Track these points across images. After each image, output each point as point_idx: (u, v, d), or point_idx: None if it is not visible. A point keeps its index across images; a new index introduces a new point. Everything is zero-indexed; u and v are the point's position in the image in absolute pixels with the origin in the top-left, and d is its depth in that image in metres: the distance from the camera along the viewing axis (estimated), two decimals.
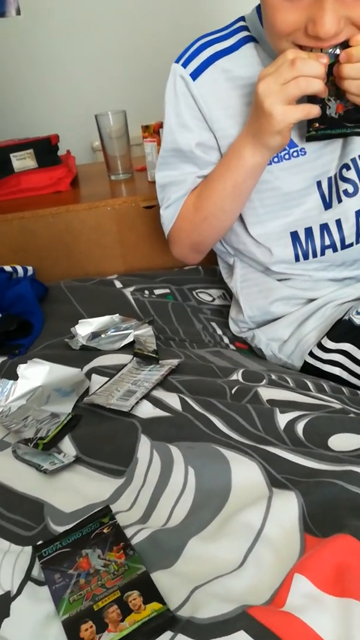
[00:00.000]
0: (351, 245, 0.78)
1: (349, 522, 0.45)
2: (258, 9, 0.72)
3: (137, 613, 0.40)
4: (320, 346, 0.76)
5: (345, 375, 0.74)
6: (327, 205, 0.76)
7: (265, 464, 0.53)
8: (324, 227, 0.77)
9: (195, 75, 0.71)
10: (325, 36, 0.57)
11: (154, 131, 1.12)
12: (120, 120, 1.21)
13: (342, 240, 0.77)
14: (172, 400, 0.64)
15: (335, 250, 0.78)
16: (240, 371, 0.72)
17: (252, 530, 0.46)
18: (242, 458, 0.54)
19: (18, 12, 1.75)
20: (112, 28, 1.77)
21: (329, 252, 0.78)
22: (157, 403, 0.63)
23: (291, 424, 0.59)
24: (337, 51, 0.60)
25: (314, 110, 0.62)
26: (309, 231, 0.77)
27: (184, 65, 0.72)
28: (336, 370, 0.74)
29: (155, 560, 0.44)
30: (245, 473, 0.52)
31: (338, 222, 0.77)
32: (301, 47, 0.61)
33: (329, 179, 0.75)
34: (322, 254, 0.78)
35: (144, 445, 0.56)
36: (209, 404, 0.63)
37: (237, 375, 0.71)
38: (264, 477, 0.52)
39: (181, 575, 0.43)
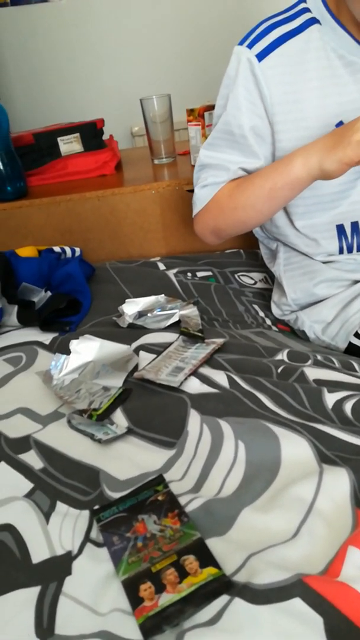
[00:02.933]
0: None
1: None
2: None
3: (194, 576, 0.41)
4: None
5: None
6: None
7: (314, 441, 0.53)
8: None
9: (261, 56, 0.70)
10: None
11: (198, 115, 1.12)
12: (164, 104, 1.21)
13: None
14: (219, 377, 0.64)
15: None
16: (285, 351, 0.72)
17: (304, 503, 0.46)
18: (291, 434, 0.54)
19: None
20: (155, 12, 1.76)
21: None
22: (205, 380, 0.64)
23: (339, 403, 0.59)
24: None
25: None
26: (355, 225, 0.77)
27: (250, 46, 0.71)
28: None
29: (210, 527, 0.45)
30: (295, 449, 0.53)
31: None
32: None
33: None
34: None
35: (194, 418, 0.57)
36: (256, 382, 0.63)
37: (282, 355, 0.71)
38: (313, 453, 0.52)
39: (235, 543, 0.44)
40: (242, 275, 1.03)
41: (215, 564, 0.41)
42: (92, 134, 1.17)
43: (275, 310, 0.89)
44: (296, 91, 0.71)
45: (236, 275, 1.02)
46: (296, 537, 0.43)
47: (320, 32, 0.71)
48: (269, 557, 0.42)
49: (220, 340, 0.73)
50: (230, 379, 0.64)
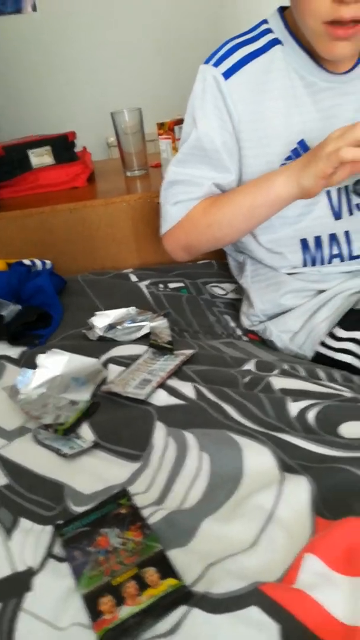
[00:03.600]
0: (358, 257, 0.81)
1: (358, 506, 0.47)
2: (280, 10, 0.75)
3: (154, 588, 0.41)
4: (332, 335, 0.77)
5: (357, 362, 0.75)
6: (337, 215, 0.78)
7: (277, 450, 0.54)
8: (333, 237, 0.79)
9: (227, 75, 0.72)
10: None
11: (169, 128, 1.14)
12: (135, 117, 1.23)
13: (350, 252, 0.80)
14: (187, 389, 0.65)
15: (342, 260, 0.80)
16: (253, 361, 0.74)
17: (264, 511, 0.47)
18: (254, 444, 0.55)
19: (34, 9, 1.77)
20: (128, 28, 1.78)
21: (336, 261, 0.80)
22: (172, 391, 0.65)
23: (303, 412, 0.61)
24: None
25: None
26: (318, 240, 0.80)
27: (216, 64, 0.73)
28: (348, 359, 0.75)
29: (171, 539, 0.46)
30: (258, 458, 0.54)
31: (347, 234, 0.79)
32: (330, 24, 0.63)
33: (339, 189, 0.77)
34: (330, 262, 0.80)
35: (160, 431, 0.58)
36: (223, 393, 0.64)
37: (250, 365, 0.73)
38: (276, 462, 0.53)
39: (196, 553, 0.44)
40: (213, 286, 1.04)
41: (175, 575, 0.42)
42: (63, 147, 1.18)
43: (244, 321, 0.91)
44: (260, 109, 0.73)
45: (208, 286, 1.04)
46: (255, 546, 0.44)
47: (283, 53, 0.73)
48: (227, 566, 0.43)
49: (189, 352, 0.74)
50: (197, 390, 0.65)
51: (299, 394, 0.64)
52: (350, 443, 0.55)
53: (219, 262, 1.10)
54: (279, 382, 0.67)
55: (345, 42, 0.65)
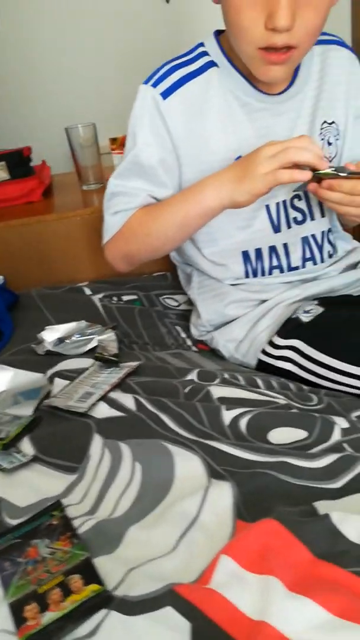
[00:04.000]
0: (297, 268, 0.85)
1: (277, 508, 0.50)
2: (216, 34, 0.78)
3: (77, 594, 0.44)
4: (271, 344, 0.80)
5: (295, 369, 0.78)
6: (276, 228, 0.82)
7: (206, 457, 0.57)
8: (272, 249, 0.83)
9: (165, 95, 0.75)
10: (282, 28, 0.62)
11: (121, 144, 1.17)
12: (89, 132, 1.26)
13: (289, 263, 0.84)
14: (127, 400, 0.68)
15: (282, 271, 0.84)
16: (196, 371, 0.77)
17: (187, 517, 0.50)
18: (186, 452, 0.58)
19: None
20: (85, 45, 1.80)
21: (276, 272, 0.84)
22: (113, 404, 0.67)
23: (236, 419, 0.64)
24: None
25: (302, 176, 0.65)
26: (258, 252, 0.83)
27: (154, 85, 0.76)
28: (287, 366, 0.79)
29: (99, 546, 0.48)
30: (188, 466, 0.56)
31: (285, 246, 0.83)
32: (265, 50, 0.66)
33: (278, 204, 0.81)
34: (270, 273, 0.84)
35: (97, 443, 0.61)
36: (162, 403, 0.67)
37: (193, 375, 0.76)
38: (204, 469, 0.56)
39: (120, 559, 0.47)
40: (166, 297, 1.07)
41: (98, 581, 0.45)
42: (18, 162, 1.20)
43: (193, 331, 0.94)
44: (198, 127, 0.77)
45: (161, 298, 1.06)
46: (175, 550, 0.47)
47: (219, 75, 0.76)
48: (146, 569, 0.45)
49: (134, 364, 0.77)
50: (137, 401, 0.68)
51: (234, 403, 0.68)
52: (276, 448, 0.58)
53: (173, 274, 1.13)
54: (217, 391, 0.70)
55: (280, 66, 0.69)
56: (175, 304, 1.06)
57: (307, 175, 0.65)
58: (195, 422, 0.64)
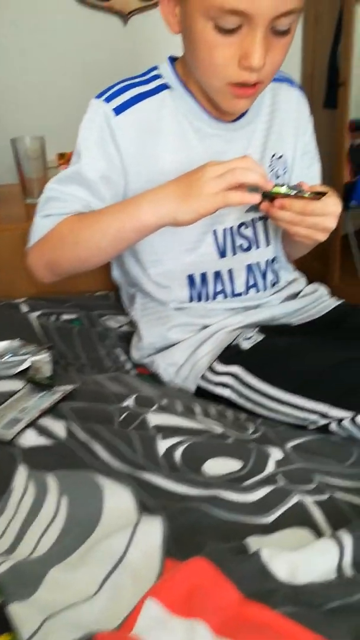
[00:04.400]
0: (240, 295, 0.85)
1: (207, 545, 0.48)
2: (170, 60, 0.78)
3: None
4: (211, 369, 0.79)
5: (234, 396, 0.77)
6: (222, 254, 0.82)
7: (138, 490, 0.55)
8: (217, 275, 0.83)
9: (118, 111, 0.74)
10: (256, 68, 0.64)
11: (68, 159, 1.14)
12: (37, 144, 1.23)
13: (233, 289, 0.84)
14: (58, 427, 0.64)
15: (225, 297, 0.84)
16: (133, 397, 0.74)
17: (114, 556, 0.47)
18: (116, 485, 0.55)
19: None
20: (41, 60, 1.77)
21: (220, 297, 0.84)
22: (43, 431, 0.64)
23: (171, 449, 0.62)
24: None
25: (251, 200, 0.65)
26: (204, 276, 0.83)
27: (107, 100, 0.74)
28: (226, 392, 0.78)
29: (15, 591, 0.45)
30: (117, 500, 0.54)
31: (230, 272, 0.83)
32: (234, 86, 0.67)
33: (225, 229, 0.81)
34: (214, 298, 0.84)
35: (21, 475, 0.57)
36: (95, 431, 0.64)
37: (130, 401, 0.73)
38: (134, 503, 0.54)
39: (38, 605, 0.44)
40: (108, 318, 1.04)
41: (11, 630, 0.41)
42: None
43: (134, 354, 0.92)
44: (149, 147, 0.76)
45: (102, 319, 1.04)
46: (98, 594, 0.44)
47: (172, 98, 0.77)
48: (65, 616, 0.42)
49: (69, 387, 0.74)
50: (68, 429, 0.64)
51: (170, 431, 0.66)
52: (209, 481, 0.57)
53: (115, 295, 1.11)
54: (154, 419, 0.68)
55: (246, 100, 0.71)
56: (117, 325, 1.03)
57: (256, 198, 0.65)
58: (128, 451, 0.61)
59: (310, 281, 0.97)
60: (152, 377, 0.91)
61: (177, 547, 0.49)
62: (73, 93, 1.78)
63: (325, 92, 2.13)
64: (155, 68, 0.79)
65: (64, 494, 0.55)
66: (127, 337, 1.01)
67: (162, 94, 0.77)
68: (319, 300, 0.93)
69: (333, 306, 0.91)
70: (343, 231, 2.10)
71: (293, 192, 0.67)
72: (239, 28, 0.63)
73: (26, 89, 1.77)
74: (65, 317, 1.01)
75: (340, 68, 1.95)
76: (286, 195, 0.67)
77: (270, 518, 0.52)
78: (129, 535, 0.49)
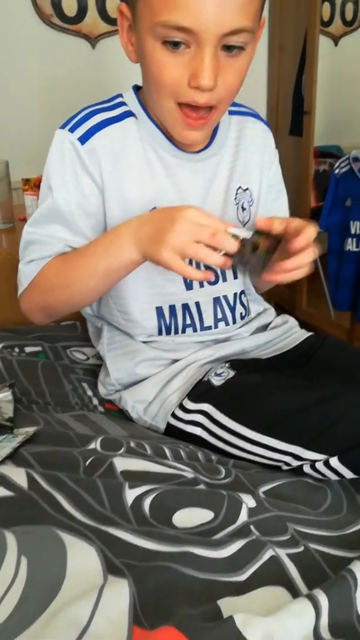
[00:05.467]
0: (209, 328, 0.83)
1: (178, 610, 0.45)
2: (134, 89, 0.77)
3: None
4: (181, 407, 0.77)
5: (205, 435, 0.75)
6: (189, 286, 0.80)
7: (104, 548, 0.52)
8: (186, 307, 0.81)
9: (83, 139, 0.72)
10: (205, 87, 0.62)
11: (34, 185, 1.12)
12: (1, 169, 1.20)
13: (202, 323, 0.82)
14: (19, 477, 0.60)
15: (195, 330, 0.82)
16: (100, 439, 0.71)
17: (78, 626, 0.44)
18: (81, 543, 0.52)
19: None
20: (6, 83, 1.74)
21: (189, 330, 0.82)
22: (1, 481, 0.60)
23: (139, 499, 0.59)
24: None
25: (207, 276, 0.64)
26: (172, 308, 0.81)
27: (72, 130, 0.73)
28: (197, 431, 0.76)
29: None
30: (82, 560, 0.50)
31: (198, 305, 0.82)
32: (184, 105, 0.66)
33: (190, 261, 0.77)
34: (184, 331, 0.82)
35: None
36: (58, 480, 0.60)
37: (96, 444, 0.70)
38: (100, 562, 0.50)
39: None
40: (74, 350, 1.01)
41: None
42: None
43: (101, 390, 0.88)
44: (118, 173, 0.74)
45: (68, 351, 1.00)
46: None
47: (137, 125, 0.75)
48: None
49: (31, 430, 0.70)
50: (30, 478, 0.60)
51: (139, 477, 0.63)
52: (180, 535, 0.54)
53: (82, 325, 1.08)
54: (121, 464, 0.65)
55: (198, 131, 0.70)
56: (84, 357, 1.00)
57: (228, 264, 0.62)
58: (94, 503, 0.58)
59: (277, 305, 0.97)
60: (121, 413, 0.88)
61: (145, 612, 0.46)
62: (39, 117, 1.76)
63: (290, 120, 2.17)
64: (119, 95, 0.78)
65: (23, 554, 0.51)
66: (93, 371, 0.98)
67: (127, 121, 0.75)
68: (289, 332, 0.92)
69: (303, 338, 0.91)
70: None
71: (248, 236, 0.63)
72: (187, 47, 0.62)
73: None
74: (29, 349, 0.97)
75: (305, 97, 2.00)
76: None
77: (243, 576, 0.50)
78: (94, 601, 0.46)
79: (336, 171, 1.86)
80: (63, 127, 0.74)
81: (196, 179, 0.79)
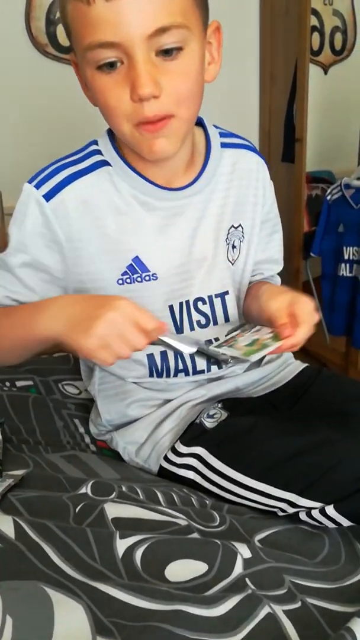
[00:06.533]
0: (202, 372, 0.80)
1: None
2: (109, 132, 0.72)
3: None
4: (174, 450, 0.75)
5: (198, 479, 0.74)
6: (179, 330, 0.77)
7: (93, 607, 0.49)
8: (177, 353, 0.77)
9: (48, 197, 0.68)
10: (145, 96, 0.59)
11: None
12: None
13: (194, 367, 0.79)
14: (6, 526, 0.58)
15: (187, 374, 0.80)
16: (91, 483, 0.69)
17: None
18: (69, 601, 0.50)
19: None
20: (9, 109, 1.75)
21: (181, 374, 0.80)
22: None
23: (130, 550, 0.57)
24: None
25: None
26: (164, 354, 0.78)
27: (37, 186, 0.69)
28: (190, 474, 0.74)
29: None
30: (69, 620, 0.48)
31: None
32: (137, 125, 0.62)
33: (181, 303, 0.76)
34: (175, 375, 0.79)
35: None
36: (47, 529, 0.58)
37: (86, 488, 0.68)
38: (89, 622, 0.48)
39: None
40: (66, 384, 1.00)
41: None
42: None
43: (92, 429, 0.87)
44: (89, 227, 0.70)
45: (60, 385, 0.99)
46: None
47: (110, 174, 0.71)
48: None
49: (19, 473, 0.68)
50: (17, 527, 0.58)
51: (130, 526, 0.61)
52: (172, 591, 0.52)
53: (74, 357, 1.06)
54: (112, 510, 0.63)
55: (162, 139, 0.64)
56: (76, 391, 0.99)
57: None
58: (84, 555, 0.56)
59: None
60: (113, 452, 0.86)
61: None
62: (33, 145, 1.77)
63: (282, 147, 2.20)
64: (94, 142, 0.73)
65: (8, 613, 0.48)
66: (86, 406, 0.96)
67: (99, 171, 0.70)
68: (283, 365, 0.91)
69: (297, 371, 0.90)
70: (304, 278, 2.14)
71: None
72: (120, 64, 0.59)
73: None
74: (20, 383, 0.96)
75: (296, 125, 2.03)
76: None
77: (238, 636, 0.48)
78: None
79: (328, 197, 1.88)
80: (30, 181, 0.70)
81: (182, 220, 0.74)
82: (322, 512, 0.63)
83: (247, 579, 0.54)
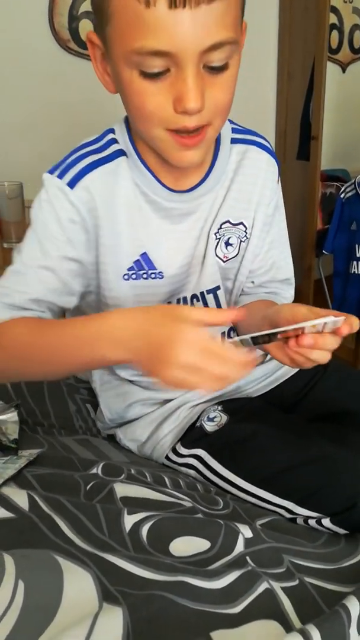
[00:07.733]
0: None
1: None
2: (125, 120, 0.71)
3: None
4: (174, 451, 0.77)
5: (200, 478, 0.76)
6: None
7: (100, 575, 0.52)
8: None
9: (72, 184, 0.67)
10: (192, 111, 0.57)
11: None
12: (15, 190, 1.23)
13: None
14: (20, 498, 0.62)
15: None
16: (101, 464, 0.72)
17: None
18: (77, 569, 0.53)
19: None
20: (18, 105, 1.78)
21: None
22: (3, 502, 0.61)
23: (137, 526, 0.60)
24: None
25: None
26: None
27: (60, 176, 0.67)
28: (191, 473, 0.76)
29: None
30: (78, 586, 0.51)
31: None
32: (172, 131, 0.61)
33: (178, 300, 0.77)
34: None
35: None
36: (59, 503, 0.61)
37: (97, 469, 0.71)
38: (96, 589, 0.51)
39: None
40: None
41: None
42: None
43: (98, 424, 0.89)
44: (109, 216, 0.70)
45: None
46: None
47: (127, 165, 0.70)
48: None
49: (34, 452, 0.71)
50: (31, 500, 0.62)
51: (138, 504, 0.64)
52: (176, 564, 0.55)
53: None
54: (121, 490, 0.66)
55: (194, 150, 0.63)
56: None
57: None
58: (93, 528, 0.59)
59: None
60: None
61: None
62: (54, 139, 1.80)
63: (298, 145, 2.21)
64: (111, 131, 0.72)
65: (20, 578, 0.51)
66: None
67: (118, 161, 0.70)
68: None
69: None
70: (316, 276, 2.15)
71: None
72: (167, 72, 0.56)
73: (6, 135, 1.78)
74: None
75: (312, 123, 2.03)
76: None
77: (237, 608, 0.50)
78: (88, 628, 0.47)
79: (342, 195, 1.89)
80: (51, 171, 0.69)
81: (188, 222, 0.73)
82: (319, 522, 0.64)
83: (247, 557, 0.57)
